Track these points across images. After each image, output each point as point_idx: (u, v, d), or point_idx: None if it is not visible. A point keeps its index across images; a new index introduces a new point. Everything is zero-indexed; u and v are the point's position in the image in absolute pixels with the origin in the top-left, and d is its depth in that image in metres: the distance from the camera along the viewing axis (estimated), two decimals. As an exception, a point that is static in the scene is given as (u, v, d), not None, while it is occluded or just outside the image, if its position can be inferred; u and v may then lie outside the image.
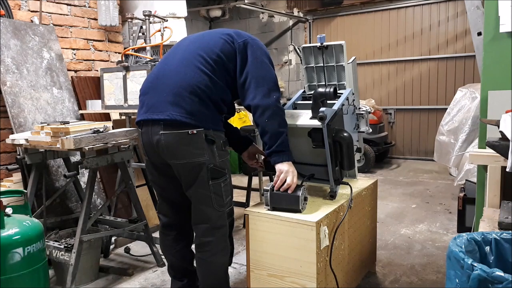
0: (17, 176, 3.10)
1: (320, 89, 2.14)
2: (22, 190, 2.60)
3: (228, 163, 2.08)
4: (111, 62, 4.22)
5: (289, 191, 2.00)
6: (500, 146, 1.89)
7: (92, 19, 4.04)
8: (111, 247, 3.33)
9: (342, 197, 2.27)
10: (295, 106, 2.47)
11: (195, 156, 1.92)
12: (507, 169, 1.74)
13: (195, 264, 2.17)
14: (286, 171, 1.98)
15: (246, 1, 6.79)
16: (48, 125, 2.68)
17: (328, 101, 2.20)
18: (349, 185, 2.26)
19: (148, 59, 3.33)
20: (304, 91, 2.59)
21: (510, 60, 2.34)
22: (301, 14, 7.76)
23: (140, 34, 3.67)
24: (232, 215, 2.20)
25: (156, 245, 2.98)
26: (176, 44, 2.18)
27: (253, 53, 2.01)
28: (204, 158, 1.93)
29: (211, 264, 2.06)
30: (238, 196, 4.38)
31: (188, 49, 2.05)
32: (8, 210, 2.18)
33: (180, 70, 1.97)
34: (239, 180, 5.70)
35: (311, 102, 2.17)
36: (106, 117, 3.84)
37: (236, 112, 2.34)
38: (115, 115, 3.79)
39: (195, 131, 1.90)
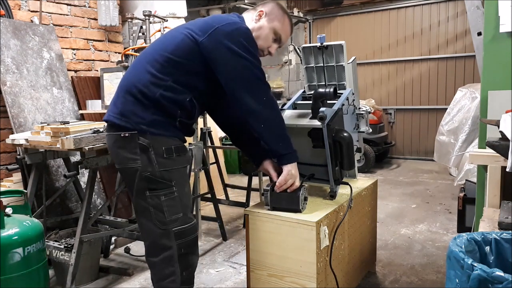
0: (17, 176, 3.10)
1: (320, 89, 2.14)
2: (22, 190, 2.60)
3: (178, 174, 1.82)
4: (111, 62, 4.22)
5: (289, 191, 2.00)
6: (500, 146, 1.89)
7: (92, 19, 4.04)
8: (111, 247, 3.33)
9: (342, 197, 2.27)
10: (295, 106, 2.46)
11: (129, 161, 1.77)
12: (507, 169, 1.74)
13: None
14: (293, 174, 1.93)
15: (246, 1, 6.79)
16: (48, 125, 2.68)
17: (328, 101, 2.20)
18: (349, 185, 2.26)
19: (148, 59, 3.32)
20: (304, 91, 2.59)
21: (510, 60, 2.34)
22: (301, 14, 7.77)
23: (140, 34, 3.68)
24: (185, 237, 1.84)
25: (156, 245, 2.97)
26: None
27: (227, 48, 1.74)
28: (137, 165, 1.75)
29: None
30: (238, 196, 4.38)
31: (147, 49, 1.94)
32: (8, 210, 2.18)
33: (131, 70, 1.90)
34: (239, 180, 5.70)
35: (311, 102, 2.17)
36: (106, 117, 3.84)
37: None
38: (115, 115, 3.78)
39: (127, 134, 1.75)
